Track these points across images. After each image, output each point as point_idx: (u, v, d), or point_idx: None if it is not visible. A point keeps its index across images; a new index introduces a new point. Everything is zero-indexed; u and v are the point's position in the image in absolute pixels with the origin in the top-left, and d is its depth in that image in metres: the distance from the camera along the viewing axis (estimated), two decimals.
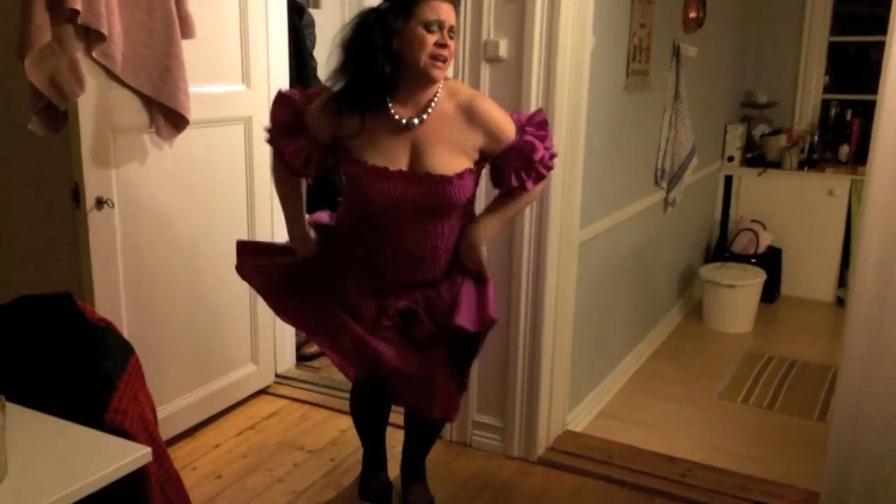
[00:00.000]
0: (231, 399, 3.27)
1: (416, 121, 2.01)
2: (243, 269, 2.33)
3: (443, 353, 2.18)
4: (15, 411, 1.53)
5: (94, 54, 2.43)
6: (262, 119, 3.19)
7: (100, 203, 2.54)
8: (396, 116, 2.01)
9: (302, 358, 3.71)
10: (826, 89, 5.30)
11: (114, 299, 2.65)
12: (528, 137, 2.09)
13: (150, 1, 2.54)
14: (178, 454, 2.88)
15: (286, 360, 3.59)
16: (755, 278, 4.55)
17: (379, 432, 2.63)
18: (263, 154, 3.20)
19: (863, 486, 2.42)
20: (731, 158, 5.16)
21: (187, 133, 2.73)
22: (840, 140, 5.11)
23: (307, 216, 2.35)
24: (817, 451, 2.88)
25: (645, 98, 3.63)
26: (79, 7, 2.29)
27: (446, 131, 2.03)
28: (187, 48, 2.65)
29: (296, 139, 2.13)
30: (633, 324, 3.97)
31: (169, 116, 2.66)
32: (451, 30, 1.98)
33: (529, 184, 2.13)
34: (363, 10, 2.03)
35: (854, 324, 2.39)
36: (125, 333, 2.46)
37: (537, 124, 2.13)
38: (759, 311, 4.63)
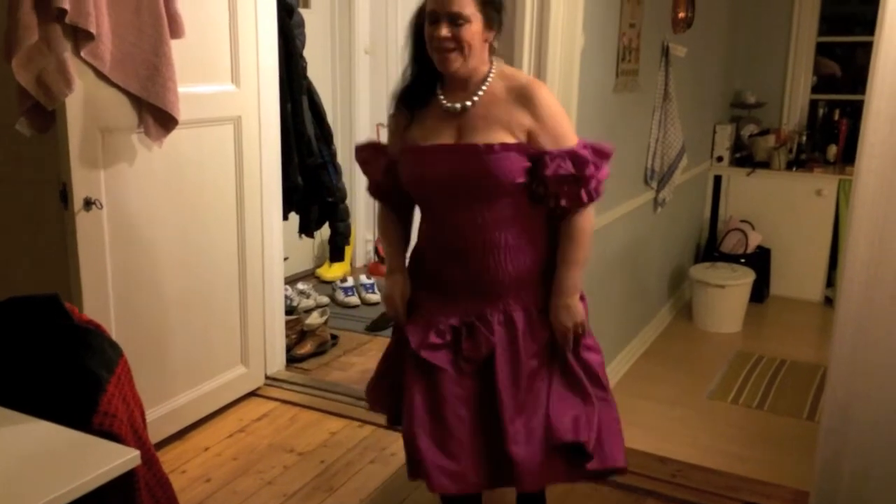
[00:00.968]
0: (221, 401, 3.25)
1: (460, 105, 1.93)
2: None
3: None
4: (2, 414, 1.52)
5: (82, 54, 2.41)
6: (251, 118, 3.19)
7: (88, 204, 2.52)
8: (446, 104, 1.94)
9: (292, 360, 3.69)
10: (814, 89, 5.33)
11: (102, 301, 2.64)
12: (583, 151, 1.90)
13: (138, 0, 2.52)
14: (167, 457, 2.87)
15: (276, 361, 3.57)
16: (744, 278, 4.57)
17: None
18: (253, 154, 3.19)
19: (852, 485, 2.43)
20: (720, 158, 5.18)
21: (176, 133, 2.72)
22: (828, 140, 5.14)
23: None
24: (807, 450, 2.89)
25: (634, 98, 3.63)
26: (66, 6, 2.27)
27: (494, 111, 1.92)
28: (176, 47, 2.64)
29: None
30: (624, 323, 3.98)
31: (158, 116, 2.64)
32: (455, 17, 1.81)
33: (564, 200, 1.91)
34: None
35: (842, 323, 2.40)
36: (114, 335, 2.44)
37: (599, 150, 1.94)
38: (749, 310, 4.66)
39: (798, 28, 5.24)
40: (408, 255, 2.18)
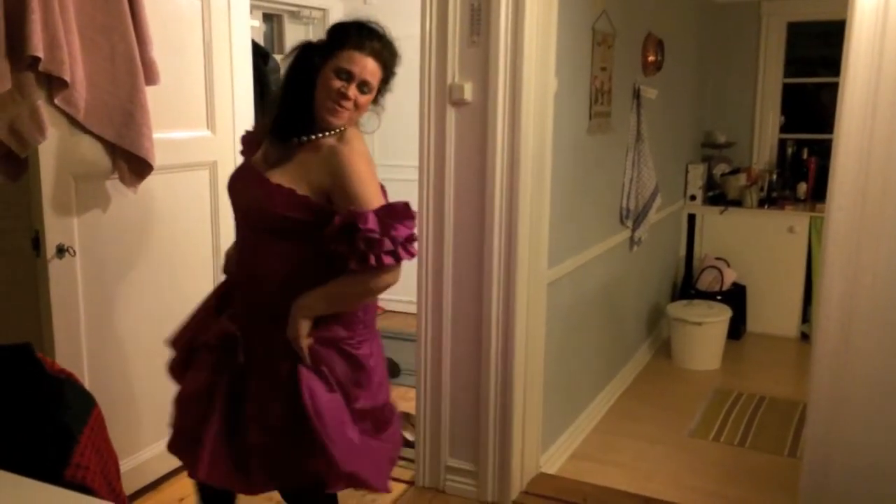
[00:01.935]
0: None
1: (296, 140, 2.00)
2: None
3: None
4: None
5: (56, 101, 2.40)
6: (228, 164, 3.18)
7: (61, 251, 2.49)
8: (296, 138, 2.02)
9: None
10: (782, 129, 5.44)
11: (75, 349, 2.59)
12: (369, 213, 1.86)
13: (113, 47, 2.52)
14: None
15: None
16: (721, 315, 4.59)
17: None
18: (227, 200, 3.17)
19: None
20: (693, 197, 5.25)
21: (151, 179, 2.71)
22: (798, 178, 5.23)
23: None
24: (789, 487, 2.88)
25: (608, 139, 3.68)
26: (40, 54, 2.26)
27: (309, 159, 1.98)
28: (151, 93, 2.64)
29: None
30: (604, 363, 3.98)
31: (132, 163, 2.63)
32: (363, 84, 1.95)
33: (352, 262, 1.87)
34: (305, 40, 2.06)
35: (819, 360, 2.41)
36: (87, 384, 2.39)
37: (392, 211, 1.90)
38: (727, 347, 4.67)
39: (765, 70, 5.37)
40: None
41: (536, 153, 2.80)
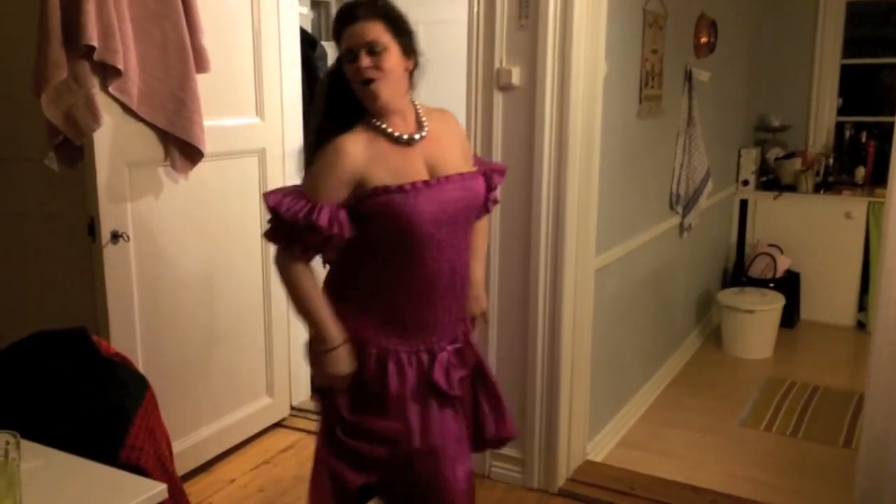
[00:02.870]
0: (246, 432, 3.24)
1: (417, 136, 1.87)
2: None
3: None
4: (30, 448, 1.51)
5: (110, 89, 2.45)
6: (276, 150, 3.21)
7: (115, 237, 2.54)
8: (396, 133, 1.85)
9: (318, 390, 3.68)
10: (840, 111, 5.28)
11: (129, 333, 2.65)
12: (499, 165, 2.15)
13: (164, 36, 2.56)
14: (193, 489, 2.85)
15: (301, 391, 3.56)
16: (774, 303, 4.49)
17: None
18: (277, 185, 3.19)
19: None
20: (745, 182, 5.13)
21: (202, 166, 2.74)
22: (855, 162, 5.08)
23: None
24: (843, 478, 2.81)
25: (658, 123, 3.62)
26: (95, 43, 2.31)
27: (446, 140, 1.93)
28: (202, 81, 2.67)
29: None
30: (651, 350, 3.93)
31: (184, 149, 2.67)
32: (372, 46, 1.77)
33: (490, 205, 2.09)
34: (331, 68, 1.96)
35: (879, 349, 2.34)
36: (140, 367, 2.45)
37: (498, 168, 2.13)
38: (779, 336, 4.57)
39: (822, 50, 5.20)
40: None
41: (585, 138, 2.76)
